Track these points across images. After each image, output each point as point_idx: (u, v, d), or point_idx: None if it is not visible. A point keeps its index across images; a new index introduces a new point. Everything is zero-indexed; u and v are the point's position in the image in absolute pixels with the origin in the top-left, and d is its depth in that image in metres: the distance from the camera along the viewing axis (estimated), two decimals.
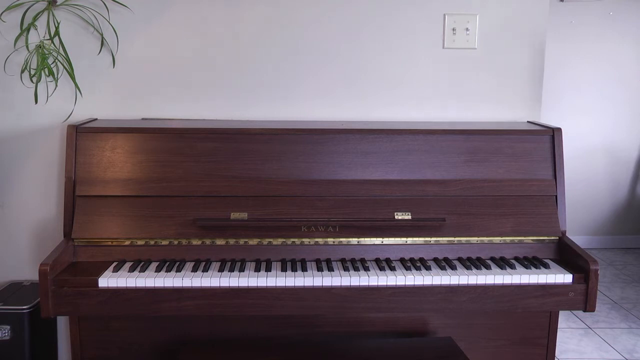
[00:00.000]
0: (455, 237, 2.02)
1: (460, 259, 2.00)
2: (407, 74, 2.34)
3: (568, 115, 4.72)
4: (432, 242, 2.02)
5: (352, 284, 1.85)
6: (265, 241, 1.99)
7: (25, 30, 2.17)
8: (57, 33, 2.17)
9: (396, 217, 2.00)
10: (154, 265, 1.92)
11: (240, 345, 2.04)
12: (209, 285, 1.83)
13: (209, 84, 2.31)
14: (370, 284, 1.85)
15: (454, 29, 2.32)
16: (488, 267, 1.93)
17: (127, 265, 1.92)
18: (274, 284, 1.84)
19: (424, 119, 2.37)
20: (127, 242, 1.98)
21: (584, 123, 4.79)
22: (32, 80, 2.18)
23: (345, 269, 1.91)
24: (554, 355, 2.21)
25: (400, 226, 2.01)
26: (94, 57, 2.25)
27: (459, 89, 2.37)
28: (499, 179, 2.08)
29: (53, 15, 2.18)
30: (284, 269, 1.90)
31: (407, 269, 1.91)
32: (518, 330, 2.18)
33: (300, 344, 2.05)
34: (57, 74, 2.19)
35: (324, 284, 1.84)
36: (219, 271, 1.87)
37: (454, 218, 2.02)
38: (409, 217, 2.00)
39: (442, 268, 1.93)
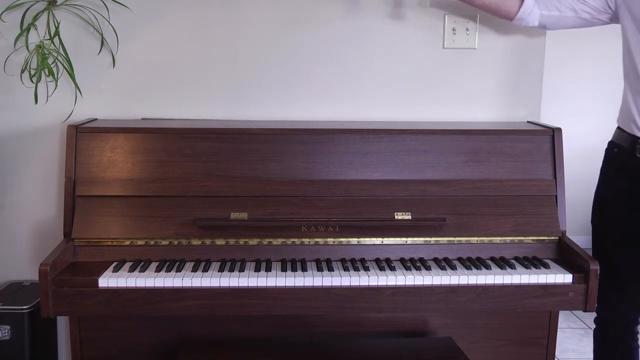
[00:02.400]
0: (455, 237, 2.02)
1: (460, 259, 2.00)
2: (407, 73, 2.34)
3: (568, 115, 4.72)
4: (432, 242, 2.02)
5: (352, 284, 1.85)
6: (265, 241, 1.99)
7: (25, 30, 2.17)
8: (57, 33, 2.17)
9: (396, 217, 2.00)
10: (154, 265, 1.92)
11: (240, 345, 2.05)
12: (209, 285, 1.83)
13: (209, 83, 2.31)
14: (370, 284, 1.85)
15: (454, 29, 2.32)
16: (488, 267, 1.93)
17: (127, 265, 1.92)
18: (274, 284, 1.84)
19: (423, 119, 2.37)
20: (127, 242, 1.97)
21: (584, 123, 4.78)
22: (32, 80, 2.18)
23: (345, 269, 1.91)
24: (554, 355, 2.21)
25: (400, 226, 2.01)
26: (94, 57, 2.25)
27: (459, 89, 2.37)
28: (499, 179, 2.08)
29: (53, 15, 2.18)
30: (284, 269, 1.90)
31: (407, 269, 1.91)
32: (518, 330, 2.18)
33: (300, 344, 2.05)
34: (57, 74, 2.19)
35: (324, 284, 1.84)
36: (219, 271, 1.87)
37: (454, 218, 2.02)
38: (409, 217, 2.00)
39: (442, 268, 1.93)
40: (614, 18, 2.05)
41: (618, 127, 2.06)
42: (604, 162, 2.10)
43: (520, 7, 2.11)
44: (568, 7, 2.08)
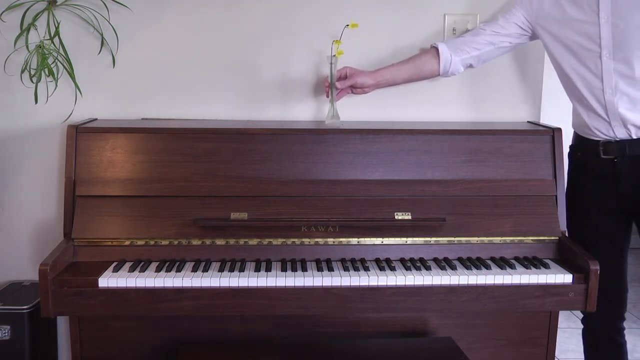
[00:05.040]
0: (455, 237, 2.02)
1: (460, 259, 2.00)
2: None
3: (568, 115, 4.71)
4: (432, 242, 2.02)
5: (352, 284, 1.85)
6: (265, 241, 1.99)
7: (25, 30, 2.17)
8: (57, 33, 2.17)
9: (396, 217, 2.00)
10: (154, 265, 1.92)
11: (240, 345, 2.05)
12: (209, 285, 1.83)
13: (209, 84, 2.31)
14: (370, 284, 1.85)
15: (454, 29, 2.32)
16: (488, 267, 1.93)
17: (127, 265, 1.92)
18: (274, 284, 1.84)
19: (423, 119, 2.37)
20: (127, 242, 1.97)
21: None
22: (32, 80, 2.18)
23: (345, 269, 1.91)
24: (554, 355, 2.21)
25: (400, 226, 2.01)
26: (94, 57, 2.25)
27: (459, 89, 2.37)
28: (499, 179, 2.08)
29: (53, 15, 2.18)
30: (284, 269, 1.90)
31: (407, 269, 1.91)
32: (518, 330, 2.18)
33: (300, 344, 2.05)
34: (57, 74, 2.19)
35: (324, 284, 1.84)
36: (219, 271, 1.87)
37: (454, 218, 2.02)
38: (409, 217, 2.00)
39: (442, 268, 1.93)
40: (534, 37, 2.13)
41: (575, 133, 2.12)
42: (569, 166, 2.15)
43: (439, 64, 2.15)
44: (485, 43, 2.13)
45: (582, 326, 2.20)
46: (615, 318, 2.09)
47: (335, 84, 2.13)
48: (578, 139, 2.09)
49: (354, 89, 2.16)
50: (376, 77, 2.14)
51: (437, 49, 2.15)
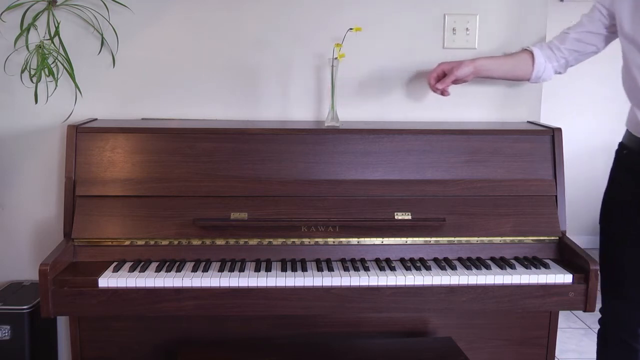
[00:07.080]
0: (455, 237, 2.02)
1: (460, 259, 2.00)
2: (408, 74, 2.34)
3: (568, 115, 4.71)
4: (432, 242, 2.02)
5: (352, 284, 1.85)
6: (265, 241, 1.99)
7: (25, 30, 2.17)
8: (57, 33, 2.17)
9: (396, 217, 2.00)
10: (154, 265, 1.92)
11: (240, 345, 2.05)
12: (209, 285, 1.83)
13: (209, 84, 2.31)
14: (370, 284, 1.85)
15: (454, 29, 2.32)
16: (488, 267, 1.93)
17: (127, 265, 1.92)
18: (274, 284, 1.84)
19: (424, 119, 2.37)
20: (127, 242, 1.98)
21: (584, 123, 4.78)
22: (32, 80, 2.18)
23: (345, 269, 1.91)
24: (554, 355, 2.21)
25: (400, 226, 2.01)
26: (94, 57, 2.25)
27: (459, 89, 2.36)
28: (499, 179, 2.08)
29: (53, 15, 2.18)
30: (284, 269, 1.90)
31: (407, 269, 1.91)
32: (518, 330, 2.18)
33: (300, 344, 2.05)
34: (57, 74, 2.19)
35: (324, 284, 1.84)
36: (219, 271, 1.87)
37: (454, 218, 2.02)
38: (409, 217, 2.00)
39: (442, 268, 1.93)
40: (612, 32, 2.04)
41: (627, 130, 2.06)
42: (614, 163, 2.08)
43: (533, 68, 2.14)
44: (570, 50, 2.12)
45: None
46: (634, 322, 2.04)
47: (436, 85, 2.13)
48: (627, 138, 2.03)
49: (457, 81, 2.15)
50: (476, 65, 2.14)
51: (532, 53, 2.14)
